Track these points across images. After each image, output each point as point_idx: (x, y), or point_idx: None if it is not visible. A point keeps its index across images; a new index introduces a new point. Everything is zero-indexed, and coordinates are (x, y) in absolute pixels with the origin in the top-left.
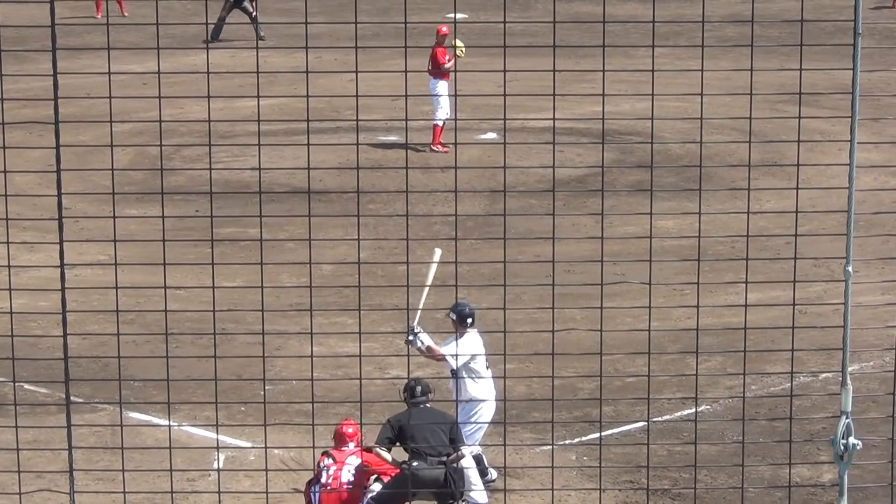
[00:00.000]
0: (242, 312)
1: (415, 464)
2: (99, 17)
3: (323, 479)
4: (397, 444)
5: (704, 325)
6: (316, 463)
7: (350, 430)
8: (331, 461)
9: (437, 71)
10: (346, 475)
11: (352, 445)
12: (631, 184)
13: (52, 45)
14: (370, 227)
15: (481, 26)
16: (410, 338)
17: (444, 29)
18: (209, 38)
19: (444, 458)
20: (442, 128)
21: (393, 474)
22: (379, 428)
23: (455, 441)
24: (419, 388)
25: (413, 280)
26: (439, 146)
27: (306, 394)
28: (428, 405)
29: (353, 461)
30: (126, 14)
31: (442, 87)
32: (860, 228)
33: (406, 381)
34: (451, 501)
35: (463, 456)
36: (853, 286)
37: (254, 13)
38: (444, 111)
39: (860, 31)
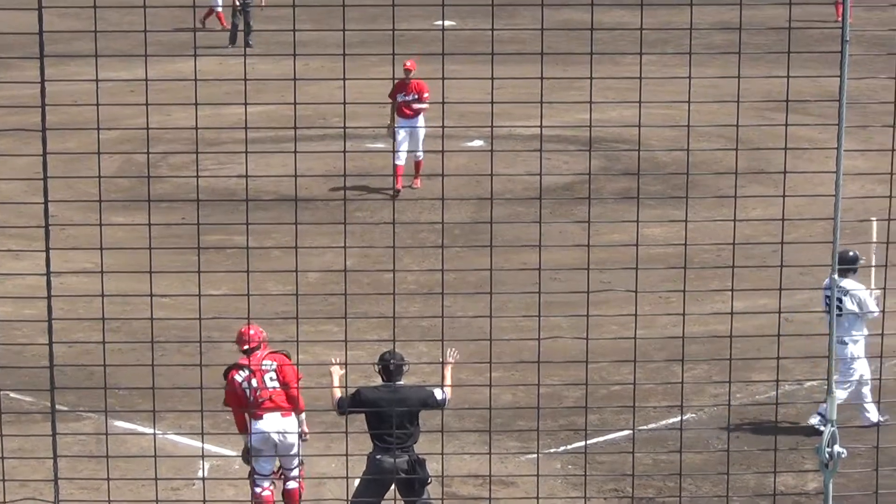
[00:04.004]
0: (228, 320)
1: (378, 456)
2: (225, 25)
3: (252, 398)
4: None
5: (690, 333)
6: (235, 385)
7: (252, 332)
8: (246, 373)
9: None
10: (270, 382)
11: (259, 353)
12: (617, 191)
13: (39, 52)
14: (357, 234)
15: (469, 33)
16: None
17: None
18: (230, 44)
19: (408, 447)
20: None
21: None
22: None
23: (428, 404)
24: (392, 363)
25: (400, 288)
26: (417, 181)
27: None
28: (401, 381)
29: (269, 364)
30: (226, 25)
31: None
32: (846, 236)
33: (382, 353)
34: (417, 489)
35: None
36: None
37: (240, 22)
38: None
39: (847, 39)
